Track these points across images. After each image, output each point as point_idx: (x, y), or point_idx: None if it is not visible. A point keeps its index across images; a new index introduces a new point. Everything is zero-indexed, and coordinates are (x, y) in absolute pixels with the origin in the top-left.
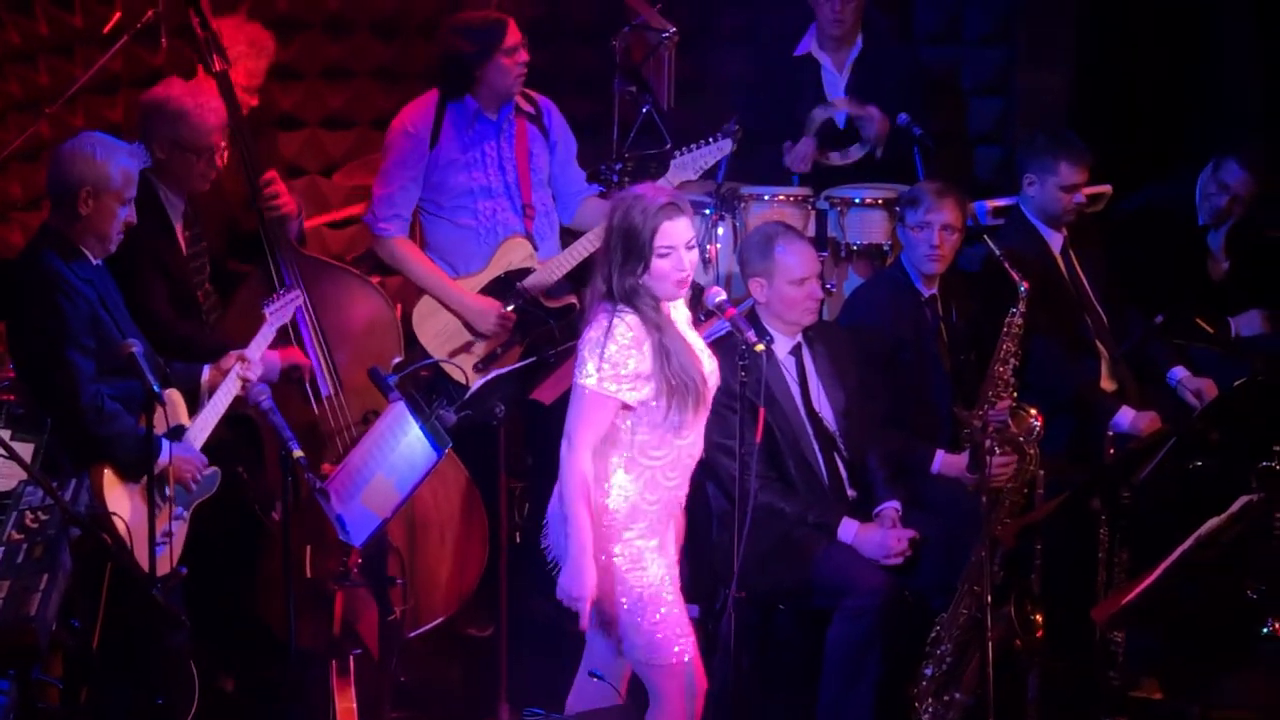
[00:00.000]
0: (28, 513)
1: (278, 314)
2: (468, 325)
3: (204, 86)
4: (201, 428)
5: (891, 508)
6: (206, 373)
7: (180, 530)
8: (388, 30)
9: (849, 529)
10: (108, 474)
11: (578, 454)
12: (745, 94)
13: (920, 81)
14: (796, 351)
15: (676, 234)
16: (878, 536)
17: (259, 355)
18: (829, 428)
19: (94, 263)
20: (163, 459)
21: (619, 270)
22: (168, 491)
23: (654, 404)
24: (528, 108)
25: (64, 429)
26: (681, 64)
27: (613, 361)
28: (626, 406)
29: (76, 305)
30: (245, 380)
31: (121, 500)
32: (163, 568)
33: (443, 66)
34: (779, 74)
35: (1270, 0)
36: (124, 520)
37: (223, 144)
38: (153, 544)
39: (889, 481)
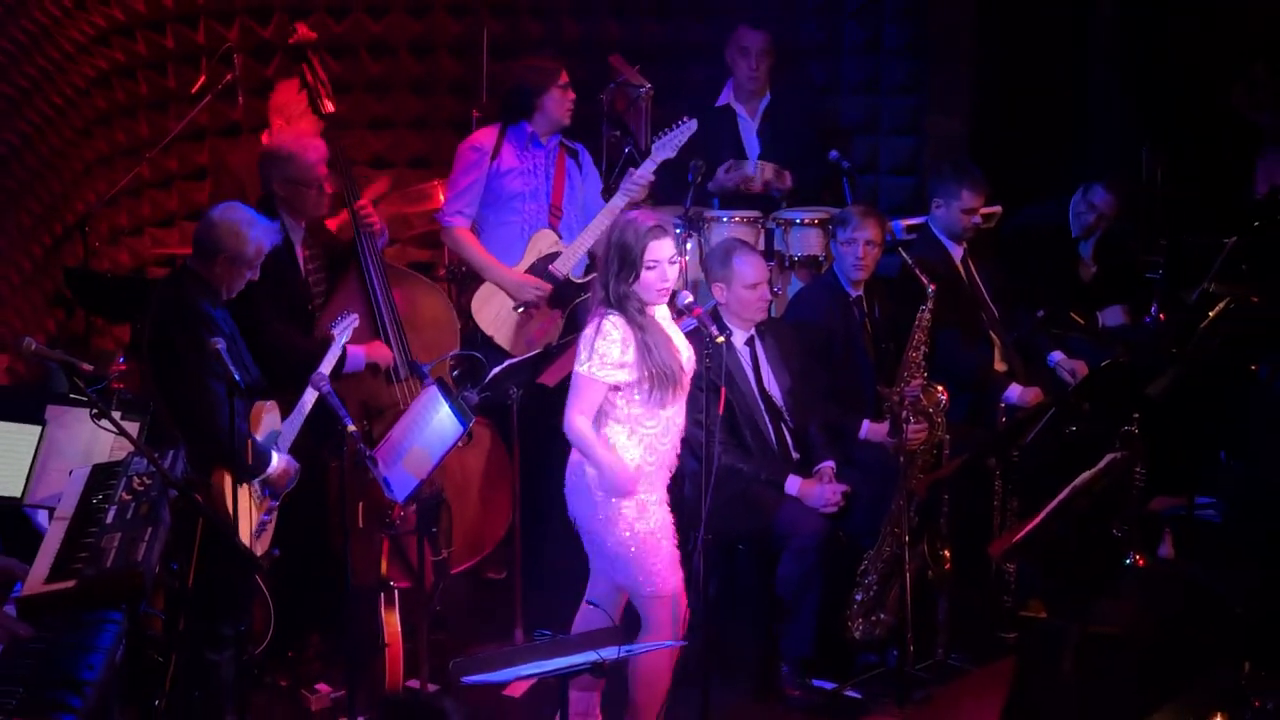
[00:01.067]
0: (135, 478)
1: (342, 333)
2: (517, 305)
3: (303, 132)
4: (290, 431)
5: (828, 466)
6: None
7: (272, 519)
8: (420, 88)
9: (793, 483)
10: (227, 475)
11: (574, 419)
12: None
13: (820, 118)
14: (750, 343)
15: (662, 251)
16: (817, 489)
17: (329, 370)
18: (777, 404)
19: (221, 303)
20: (270, 470)
21: (614, 279)
22: (268, 491)
23: (642, 386)
24: (569, 145)
25: (198, 442)
26: (656, 113)
27: (600, 353)
28: (614, 387)
29: (216, 339)
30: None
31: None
32: (262, 549)
33: (507, 96)
34: (701, 122)
35: (1131, 62)
36: (233, 505)
37: (326, 174)
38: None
39: (826, 445)
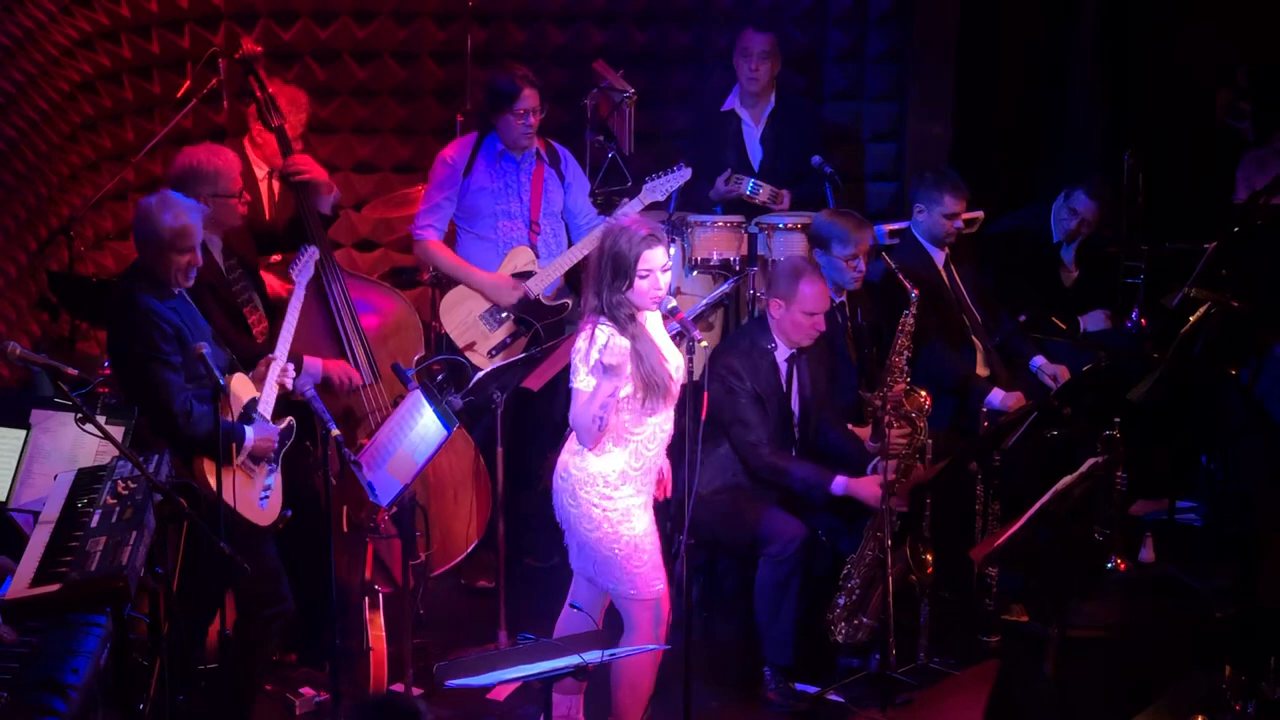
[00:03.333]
0: (119, 482)
1: (302, 271)
2: (484, 317)
3: (215, 146)
4: (266, 402)
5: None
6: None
7: (276, 479)
8: (405, 95)
9: (840, 484)
10: (206, 461)
11: (576, 420)
12: (686, 142)
13: (820, 130)
14: (791, 360)
15: (655, 260)
16: (869, 488)
17: (294, 322)
18: (793, 422)
19: (176, 291)
20: (248, 443)
21: (608, 287)
22: (259, 462)
23: (634, 394)
24: (547, 154)
25: (163, 431)
26: (640, 118)
27: (589, 362)
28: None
29: (165, 331)
30: (284, 378)
31: (224, 475)
32: (273, 513)
33: (478, 107)
34: (709, 126)
35: (1112, 68)
36: (225, 493)
37: (243, 185)
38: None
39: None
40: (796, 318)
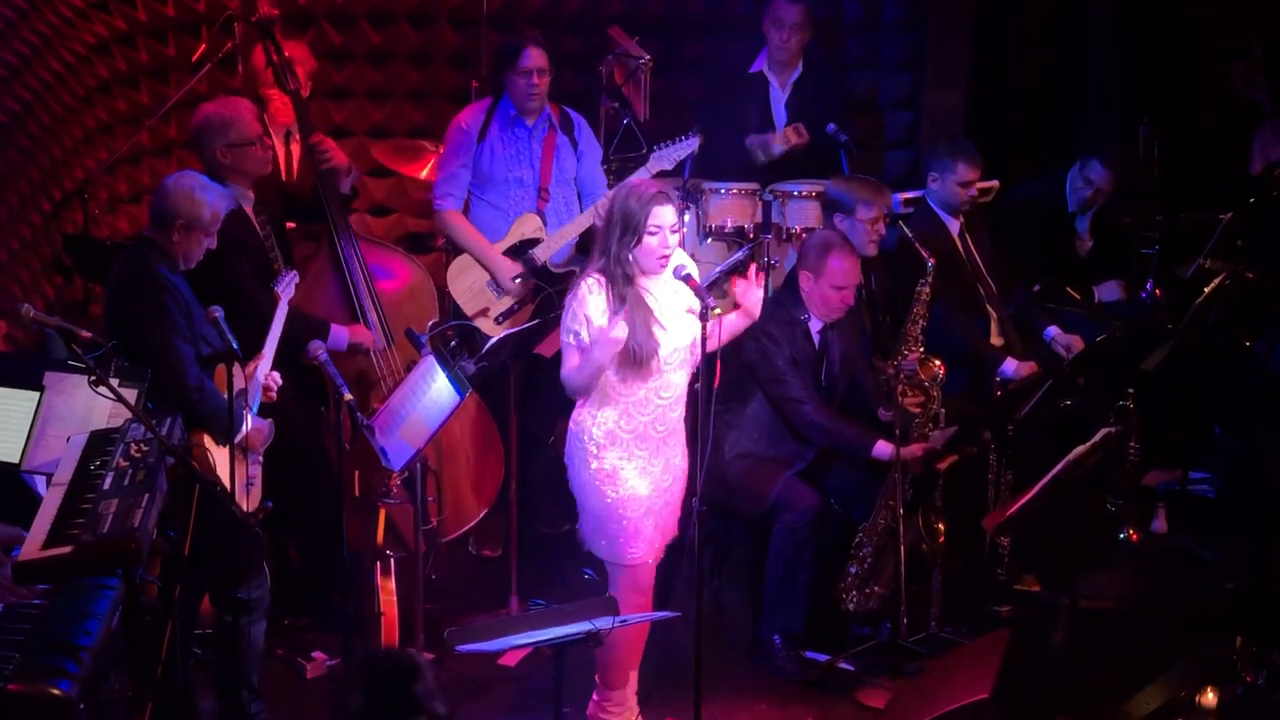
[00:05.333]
0: (132, 445)
1: (285, 290)
2: (491, 284)
3: (227, 98)
4: (253, 397)
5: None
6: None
7: (258, 473)
8: (419, 59)
9: (883, 448)
10: (207, 438)
11: (567, 374)
12: (705, 107)
13: (842, 98)
14: (823, 331)
15: (664, 218)
16: (917, 450)
17: (279, 332)
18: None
19: (180, 270)
20: (244, 429)
21: (616, 244)
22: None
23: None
24: (560, 121)
25: (172, 403)
26: (655, 84)
27: (576, 318)
28: None
29: (178, 302)
30: (269, 395)
31: (217, 455)
32: (254, 503)
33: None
34: (735, 87)
35: (1129, 38)
36: (219, 468)
37: (260, 129)
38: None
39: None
40: (825, 292)
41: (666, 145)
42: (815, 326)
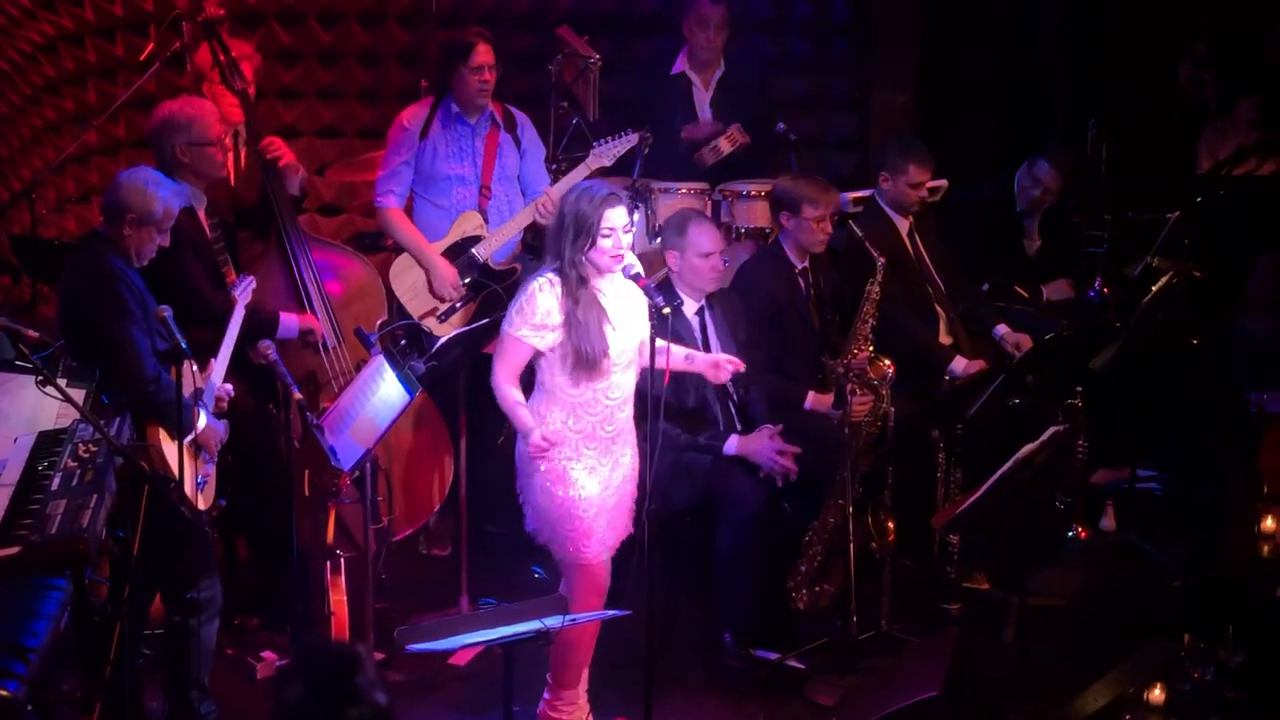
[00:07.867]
0: (80, 445)
1: (242, 295)
2: (430, 283)
3: (191, 97)
4: (210, 391)
5: (768, 428)
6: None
7: (211, 471)
8: (369, 59)
9: (732, 443)
10: (163, 432)
11: (499, 379)
12: (633, 109)
13: (765, 95)
14: (700, 313)
15: (616, 219)
16: (758, 442)
17: (234, 336)
18: None
19: (135, 265)
20: (199, 426)
21: (570, 246)
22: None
23: (565, 359)
24: (503, 119)
25: (127, 397)
26: (604, 84)
27: (523, 312)
28: (537, 351)
29: (134, 294)
30: (221, 404)
31: (170, 451)
32: (208, 501)
33: (435, 69)
34: (655, 89)
35: (1073, 39)
36: (172, 465)
37: (222, 131)
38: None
39: (767, 413)
40: (694, 262)
41: (607, 141)
42: (692, 309)
